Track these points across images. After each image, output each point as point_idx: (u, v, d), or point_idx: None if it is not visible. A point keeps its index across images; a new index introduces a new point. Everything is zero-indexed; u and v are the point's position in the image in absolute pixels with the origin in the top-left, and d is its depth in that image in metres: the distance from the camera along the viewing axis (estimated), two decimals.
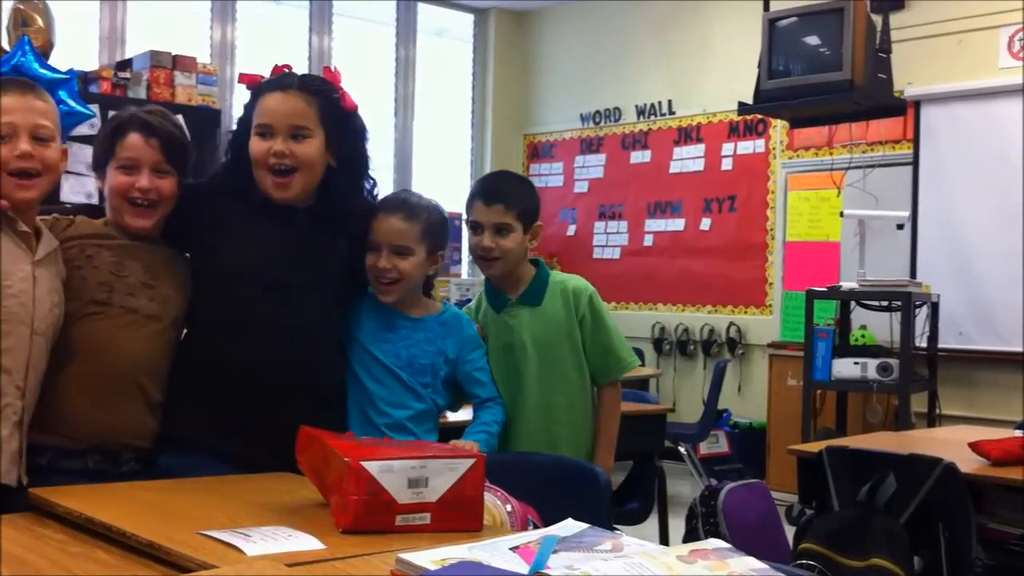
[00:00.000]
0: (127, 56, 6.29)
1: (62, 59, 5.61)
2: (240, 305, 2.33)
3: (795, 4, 5.73)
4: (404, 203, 2.53)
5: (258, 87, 2.41)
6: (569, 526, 1.55)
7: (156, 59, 5.99)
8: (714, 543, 1.40)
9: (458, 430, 2.65)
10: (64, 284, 2.20)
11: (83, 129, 5.50)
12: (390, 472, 1.66)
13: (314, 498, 1.84)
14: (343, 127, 2.42)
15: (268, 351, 2.32)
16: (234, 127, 2.50)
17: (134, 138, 2.30)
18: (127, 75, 5.89)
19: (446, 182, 8.11)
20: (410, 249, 2.47)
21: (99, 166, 2.36)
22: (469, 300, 3.99)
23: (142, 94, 5.85)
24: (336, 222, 2.44)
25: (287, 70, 2.44)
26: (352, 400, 2.48)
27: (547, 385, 2.70)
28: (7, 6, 5.70)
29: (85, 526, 1.70)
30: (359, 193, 2.50)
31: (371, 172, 2.55)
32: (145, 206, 2.30)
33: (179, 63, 6.07)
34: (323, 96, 2.39)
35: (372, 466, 1.65)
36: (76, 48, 6.09)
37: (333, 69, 2.49)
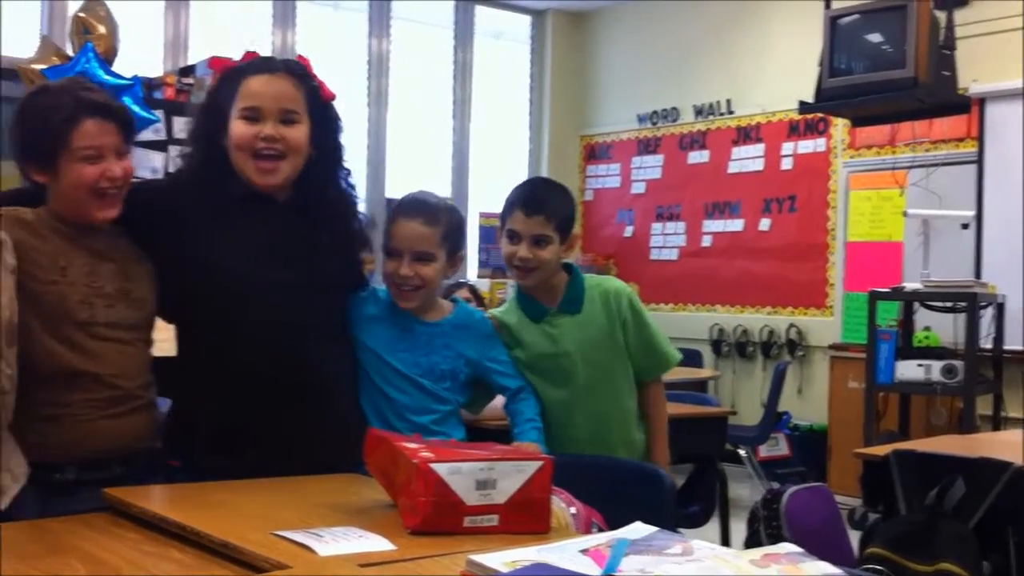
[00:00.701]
0: (190, 62, 6.38)
1: (126, 65, 5.72)
2: (230, 306, 2.22)
3: (857, 1, 5.66)
4: (423, 206, 2.47)
5: (237, 70, 2.29)
6: (638, 529, 1.55)
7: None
8: (786, 547, 1.39)
9: (490, 432, 2.67)
10: (41, 302, 2.04)
11: (147, 134, 5.61)
12: (459, 474, 1.67)
13: (381, 499, 1.86)
14: (324, 116, 2.33)
15: (263, 351, 2.22)
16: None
17: (91, 125, 2.08)
18: (190, 81, 5.97)
19: (503, 184, 8.11)
20: (432, 254, 2.42)
21: (38, 158, 2.10)
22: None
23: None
24: (315, 213, 2.33)
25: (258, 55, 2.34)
26: (371, 408, 2.43)
27: (597, 392, 2.67)
28: (70, 14, 5.82)
29: (159, 526, 1.73)
30: (336, 183, 2.40)
31: (345, 162, 2.43)
32: (114, 194, 2.12)
33: None
34: (307, 82, 2.30)
35: (441, 468, 1.66)
36: (140, 55, 6.19)
37: (304, 56, 2.40)
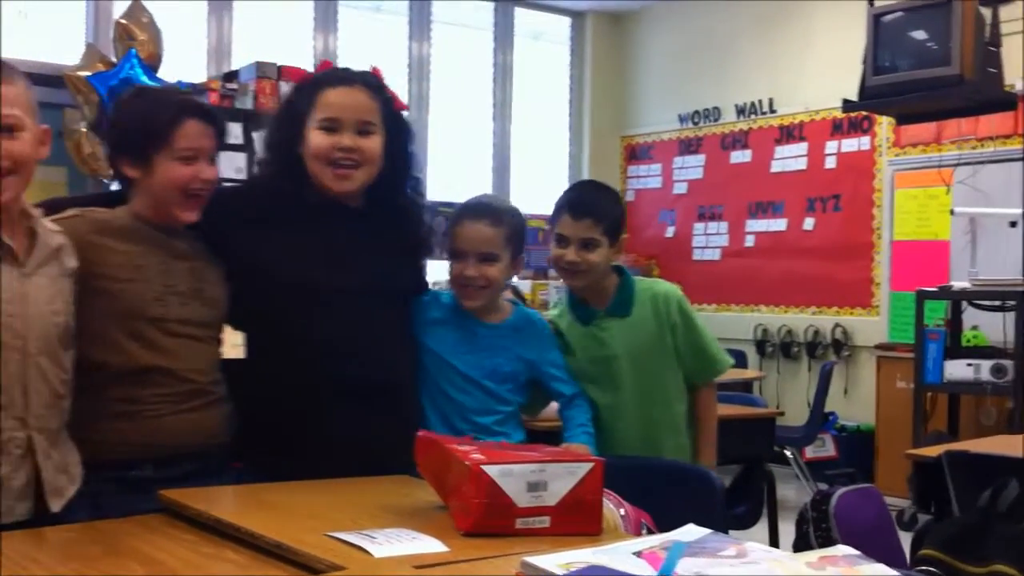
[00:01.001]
0: (234, 67, 6.44)
1: (171, 71, 5.79)
2: (298, 309, 2.26)
3: None
4: (488, 208, 2.52)
5: (315, 80, 2.36)
6: (691, 531, 1.55)
7: (262, 70, 6.12)
8: (843, 550, 1.38)
9: (547, 434, 2.67)
10: (116, 300, 2.10)
11: None
12: (510, 476, 1.67)
13: (432, 500, 1.87)
14: (397, 126, 2.39)
15: (330, 355, 2.26)
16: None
17: (193, 126, 2.15)
18: (234, 86, 6.03)
19: (544, 185, 8.13)
20: (497, 255, 2.47)
21: (135, 153, 2.14)
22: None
23: (249, 104, 5.99)
24: (385, 220, 2.39)
25: (332, 65, 2.42)
26: (435, 410, 2.46)
27: (646, 396, 2.67)
28: (115, 21, 5.90)
29: (214, 527, 1.75)
30: (406, 191, 2.45)
31: (416, 171, 2.49)
32: (201, 197, 2.18)
33: (284, 73, 6.19)
34: (382, 94, 2.36)
35: (492, 470, 1.67)
36: (185, 60, 6.27)
37: (377, 68, 2.46)
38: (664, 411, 2.69)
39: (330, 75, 2.38)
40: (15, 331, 1.88)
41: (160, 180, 2.14)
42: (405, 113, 2.53)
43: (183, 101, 2.20)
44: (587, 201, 2.66)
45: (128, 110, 2.23)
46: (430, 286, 2.57)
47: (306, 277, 2.27)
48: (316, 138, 2.28)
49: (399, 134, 2.40)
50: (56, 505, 1.95)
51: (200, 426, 2.18)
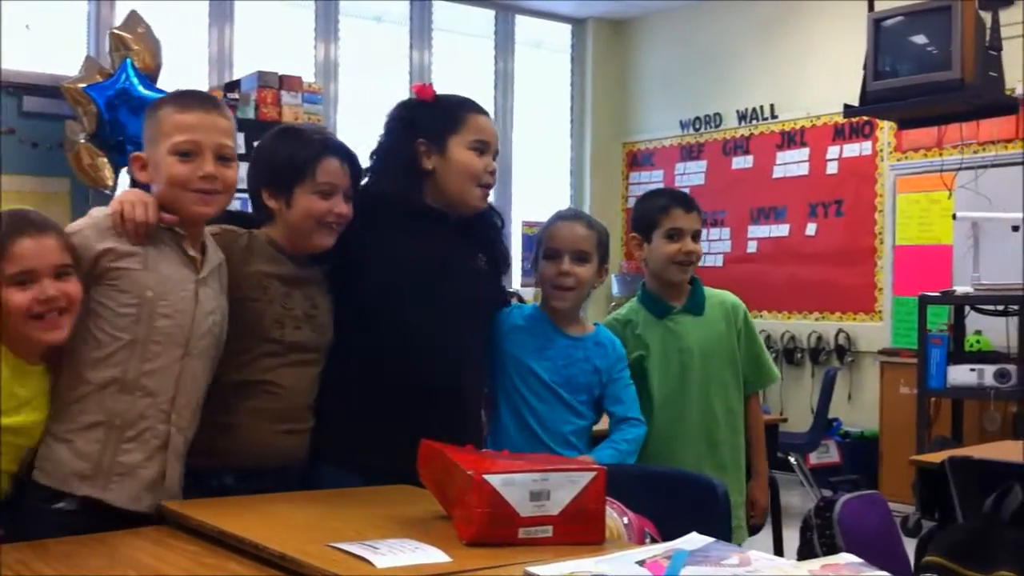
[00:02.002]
0: (235, 77, 6.45)
1: (173, 81, 5.78)
2: (398, 316, 2.35)
3: (901, 3, 5.61)
4: (582, 213, 2.71)
5: (459, 102, 2.48)
6: (693, 540, 1.55)
7: (263, 79, 6.13)
8: (846, 558, 1.38)
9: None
10: (238, 315, 2.19)
11: None
12: (512, 485, 1.67)
13: (435, 510, 1.86)
14: None
15: (430, 362, 2.34)
16: (385, 135, 2.50)
17: (333, 163, 2.28)
18: (236, 95, 6.04)
19: (546, 193, 8.14)
20: (589, 255, 2.58)
21: (277, 185, 2.28)
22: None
23: (251, 114, 6.00)
24: (478, 232, 2.51)
25: (431, 90, 2.52)
26: (513, 415, 2.54)
27: (710, 390, 2.81)
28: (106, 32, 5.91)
29: (217, 538, 1.75)
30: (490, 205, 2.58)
31: None
32: (335, 229, 2.29)
33: (285, 83, 6.21)
34: None
35: (495, 479, 1.67)
36: (186, 70, 6.27)
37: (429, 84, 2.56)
38: (725, 408, 2.83)
39: (471, 102, 2.50)
40: (183, 327, 2.04)
41: (299, 211, 2.26)
42: None
43: (326, 139, 2.35)
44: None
45: (274, 144, 2.34)
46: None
47: (410, 282, 2.36)
48: (470, 159, 2.42)
49: None
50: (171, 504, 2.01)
51: (287, 447, 2.24)
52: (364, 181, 2.44)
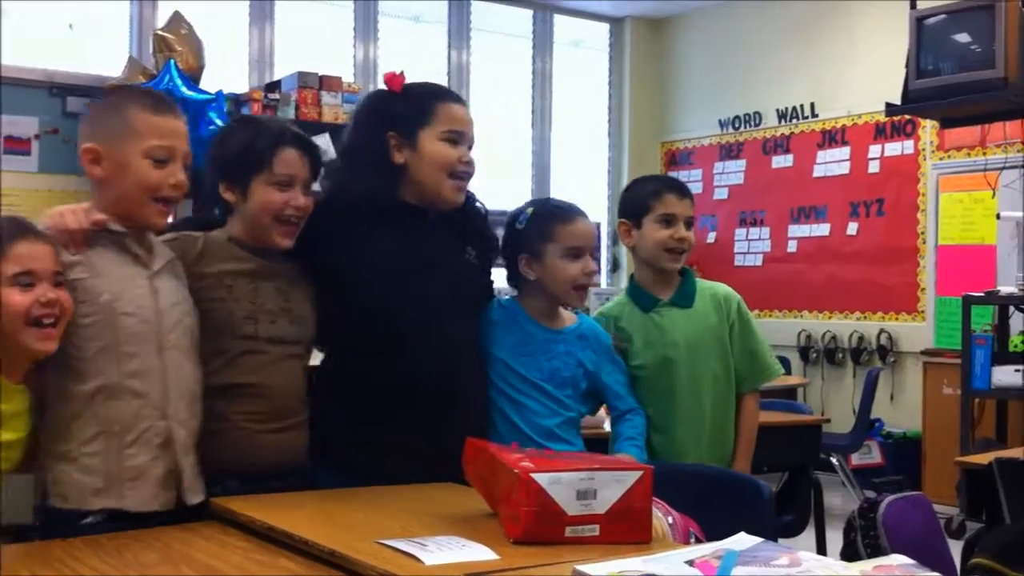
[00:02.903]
0: (276, 78, 6.50)
1: (215, 82, 5.85)
2: (386, 316, 2.31)
3: (943, 2, 5.56)
4: (580, 208, 2.58)
5: (430, 91, 2.42)
6: (742, 540, 1.54)
7: (303, 80, 6.18)
8: (898, 559, 1.37)
9: (602, 441, 2.67)
10: (207, 318, 2.15)
11: None
12: (559, 484, 1.68)
13: (480, 508, 1.87)
14: None
15: (421, 361, 2.31)
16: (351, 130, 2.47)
17: (291, 154, 2.22)
18: (276, 96, 6.09)
19: (584, 192, 8.12)
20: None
21: (234, 177, 2.22)
22: None
23: (291, 114, 6.04)
24: (462, 227, 2.45)
25: (401, 77, 2.43)
26: (499, 414, 2.48)
27: (696, 385, 2.70)
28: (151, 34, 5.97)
29: (267, 534, 1.76)
30: (471, 200, 2.50)
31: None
32: (293, 224, 2.24)
33: (325, 83, 6.25)
34: None
35: (542, 478, 1.67)
36: (227, 71, 6.32)
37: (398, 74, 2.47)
38: (710, 402, 2.72)
39: (446, 91, 2.46)
40: (149, 323, 2.00)
41: (255, 204, 2.21)
42: None
43: (284, 129, 2.28)
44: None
45: (231, 136, 2.30)
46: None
47: (391, 282, 2.31)
48: (443, 149, 2.34)
49: None
50: (194, 498, 2.03)
51: (286, 446, 2.22)
52: (339, 178, 2.40)
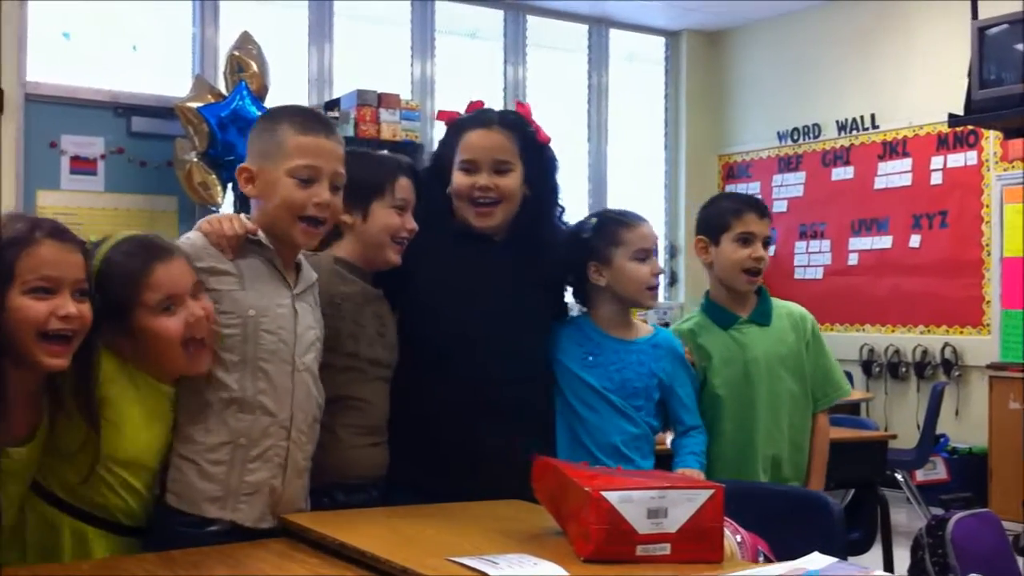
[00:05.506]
0: (335, 96, 6.57)
1: (275, 101, 5.91)
2: (450, 339, 2.36)
3: (1006, 11, 5.47)
4: (640, 215, 2.62)
5: (458, 124, 2.49)
6: (816, 559, 1.53)
7: (362, 97, 6.24)
8: None
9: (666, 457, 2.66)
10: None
11: None
12: (630, 502, 1.67)
13: (549, 526, 1.87)
14: (539, 159, 2.50)
15: (484, 381, 2.35)
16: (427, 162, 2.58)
17: (406, 181, 2.34)
18: (336, 114, 6.15)
19: (641, 206, 8.09)
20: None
21: (357, 201, 2.28)
22: (667, 324, 3.97)
23: (350, 132, 6.10)
24: (529, 251, 2.48)
25: (482, 105, 2.53)
26: (562, 425, 2.50)
27: (776, 403, 2.72)
28: (221, 54, 6.06)
29: (337, 551, 1.78)
30: (552, 221, 2.56)
31: (560, 200, 2.60)
32: (405, 244, 2.34)
33: (383, 100, 6.30)
34: (520, 130, 2.47)
35: (612, 496, 1.67)
36: (288, 90, 6.40)
37: (524, 102, 2.59)
38: (788, 420, 2.74)
39: (470, 118, 2.50)
40: (287, 343, 2.05)
41: (376, 225, 2.31)
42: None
43: (399, 159, 2.42)
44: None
45: (349, 164, 2.33)
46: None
47: (453, 307, 2.38)
48: (458, 178, 2.44)
49: (541, 167, 2.51)
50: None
51: (379, 460, 2.31)
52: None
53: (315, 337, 2.14)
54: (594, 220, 2.58)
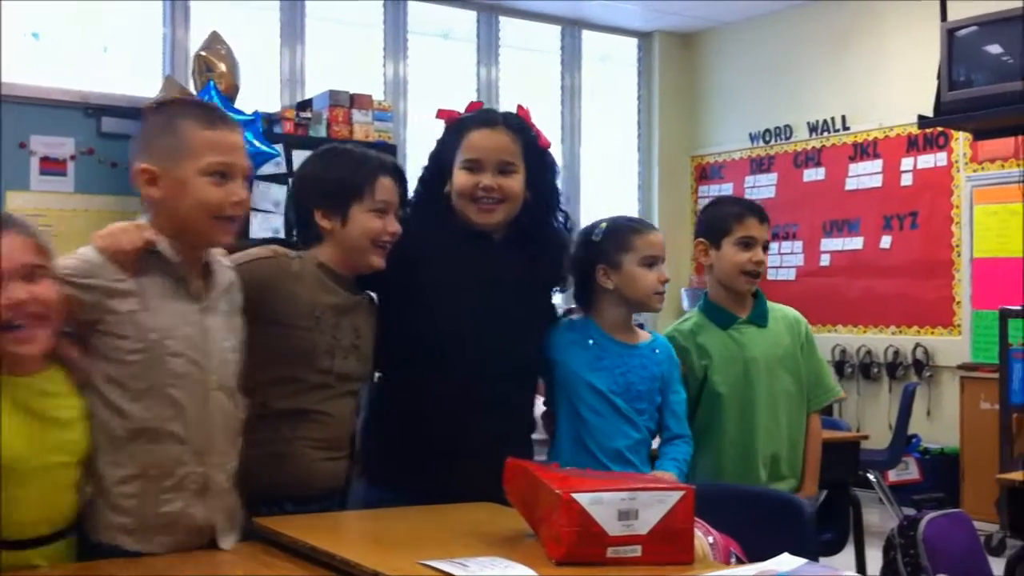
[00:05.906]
0: (307, 96, 6.53)
1: (247, 102, 5.88)
2: (446, 335, 2.36)
3: (974, 13, 5.52)
4: (651, 223, 2.70)
5: (460, 123, 2.47)
6: (785, 560, 1.53)
7: (334, 98, 6.21)
8: None
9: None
10: (288, 342, 2.16)
11: (268, 168, 5.76)
12: (600, 504, 1.67)
13: (521, 528, 1.87)
14: (540, 163, 2.51)
15: (476, 381, 2.35)
16: (426, 163, 2.55)
17: (387, 182, 2.28)
18: (308, 115, 6.11)
19: (613, 207, 8.12)
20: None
21: (335, 204, 2.24)
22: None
23: (323, 132, 6.07)
24: (530, 252, 2.49)
25: (482, 106, 2.55)
26: (565, 429, 2.52)
27: (774, 402, 2.80)
28: (191, 54, 6.01)
29: (309, 554, 1.77)
30: (552, 224, 2.56)
31: (563, 206, 2.60)
32: (388, 248, 2.29)
33: (356, 101, 6.27)
34: (524, 133, 2.47)
35: (583, 498, 1.66)
36: (259, 91, 6.37)
37: (524, 107, 2.56)
38: (786, 419, 2.81)
39: (474, 117, 2.50)
40: (198, 364, 1.91)
41: (355, 230, 2.25)
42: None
43: (381, 158, 2.33)
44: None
45: (328, 164, 2.32)
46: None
47: (453, 304, 2.37)
48: (461, 177, 2.42)
49: (542, 170, 2.52)
50: (226, 543, 1.93)
51: (335, 473, 2.26)
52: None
53: (231, 347, 2.01)
54: (605, 224, 2.61)
